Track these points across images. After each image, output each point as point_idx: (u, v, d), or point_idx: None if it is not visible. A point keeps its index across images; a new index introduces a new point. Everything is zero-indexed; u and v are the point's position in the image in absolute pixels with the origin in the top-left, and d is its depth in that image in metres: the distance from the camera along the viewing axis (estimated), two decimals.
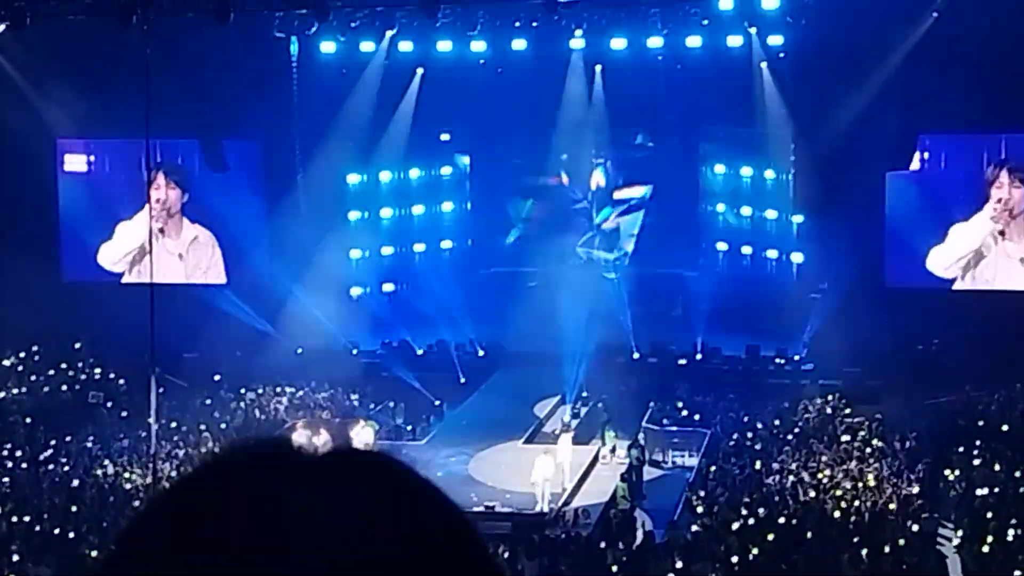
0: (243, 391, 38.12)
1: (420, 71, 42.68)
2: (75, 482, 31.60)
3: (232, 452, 1.58)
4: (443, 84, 42.60)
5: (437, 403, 38.56)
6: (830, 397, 36.26)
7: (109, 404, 36.98)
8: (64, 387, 38.97)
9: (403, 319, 43.25)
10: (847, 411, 35.17)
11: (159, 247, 40.49)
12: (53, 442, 34.30)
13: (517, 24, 39.84)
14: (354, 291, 44.58)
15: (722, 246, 45.51)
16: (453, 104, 43.70)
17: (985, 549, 25.97)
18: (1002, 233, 38.25)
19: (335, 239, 42.63)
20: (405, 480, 1.58)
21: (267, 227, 42.01)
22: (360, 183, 44.72)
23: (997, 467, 30.39)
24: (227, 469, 1.56)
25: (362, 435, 32.07)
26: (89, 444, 34.14)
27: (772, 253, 43.75)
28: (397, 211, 45.78)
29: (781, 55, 39.95)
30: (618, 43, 40.40)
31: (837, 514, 27.94)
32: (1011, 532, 26.52)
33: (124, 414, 36.25)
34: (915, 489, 29.43)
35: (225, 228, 42.14)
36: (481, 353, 41.90)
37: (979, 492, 28.95)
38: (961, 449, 31.62)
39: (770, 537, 26.57)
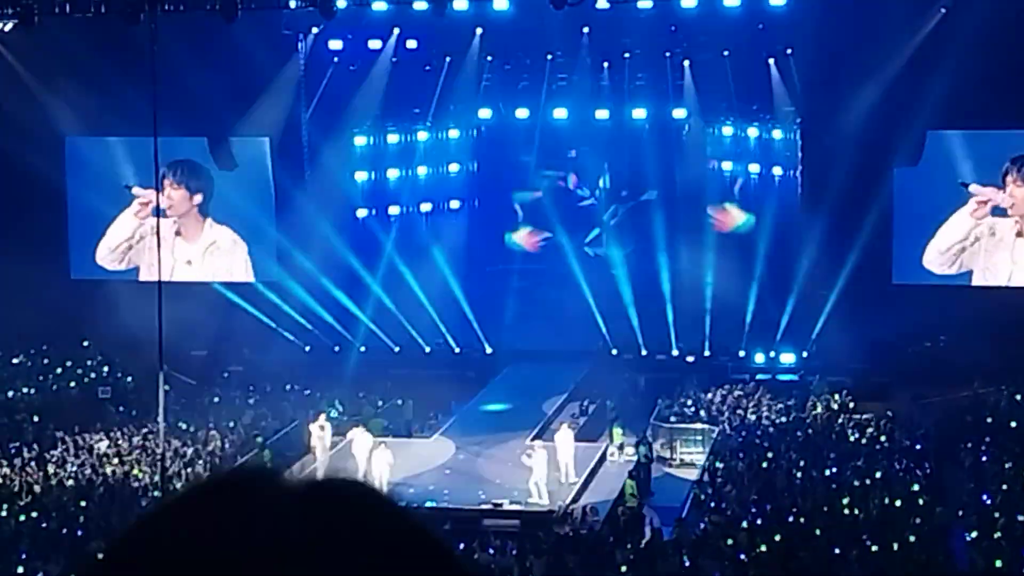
0: (251, 389, 38.12)
1: (428, 68, 42.65)
2: (83, 480, 31.62)
3: (207, 483, 1.58)
4: (451, 81, 42.68)
5: (445, 400, 38.59)
6: (837, 394, 36.26)
7: (121, 408, 36.95)
8: (72, 384, 38.97)
9: (411, 316, 43.21)
10: (855, 408, 35.17)
11: (169, 251, 40.65)
12: (62, 440, 34.33)
13: None
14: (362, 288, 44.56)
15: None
16: (461, 101, 43.77)
17: (994, 545, 25.92)
18: (1020, 234, 38.14)
19: (343, 237, 42.64)
20: (384, 514, 1.57)
21: (276, 224, 41.96)
22: (368, 180, 44.74)
23: (1006, 464, 30.33)
24: (201, 501, 1.56)
25: (360, 440, 31.80)
26: (97, 442, 34.14)
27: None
28: (405, 208, 45.77)
29: (789, 52, 39.90)
30: (626, 40, 40.39)
31: (845, 511, 27.90)
32: (1020, 527, 26.47)
33: (133, 412, 36.27)
34: (923, 486, 29.38)
35: (234, 225, 42.03)
36: (489, 350, 41.88)
37: (988, 488, 28.91)
38: (970, 445, 31.58)
39: (778, 535, 26.54)
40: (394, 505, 1.59)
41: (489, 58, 42.73)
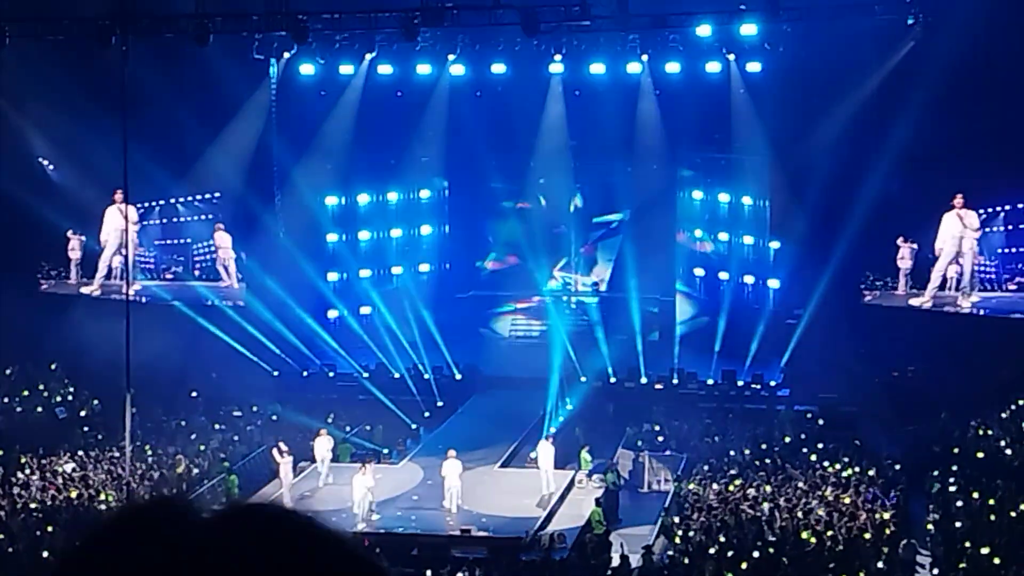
0: (219, 413, 37.97)
1: (399, 94, 42.66)
2: (49, 504, 31.37)
3: (125, 513, 1.60)
4: (422, 107, 42.76)
5: (414, 427, 38.55)
6: (805, 422, 36.33)
7: (87, 430, 36.71)
8: (39, 408, 38.73)
9: (380, 342, 43.16)
10: (822, 436, 35.25)
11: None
12: (28, 464, 34.06)
13: (498, 47, 39.92)
14: (331, 313, 44.51)
15: (699, 271, 45.58)
16: (432, 127, 43.84)
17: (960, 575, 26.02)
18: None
19: (313, 261, 42.57)
20: (306, 534, 1.58)
21: (244, 248, 41.84)
22: (338, 205, 44.79)
23: (972, 494, 30.42)
24: (121, 531, 1.59)
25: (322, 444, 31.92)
26: (63, 466, 33.90)
27: (749, 279, 43.81)
28: (375, 234, 45.79)
29: (758, 81, 40.06)
30: (597, 68, 40.47)
31: (813, 540, 27.94)
32: (986, 559, 26.55)
33: (99, 435, 36.05)
34: (890, 515, 29.46)
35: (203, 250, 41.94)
36: (458, 377, 41.83)
37: (954, 518, 29.00)
38: (936, 475, 31.70)
39: (745, 563, 26.57)
40: (313, 527, 1.60)
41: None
